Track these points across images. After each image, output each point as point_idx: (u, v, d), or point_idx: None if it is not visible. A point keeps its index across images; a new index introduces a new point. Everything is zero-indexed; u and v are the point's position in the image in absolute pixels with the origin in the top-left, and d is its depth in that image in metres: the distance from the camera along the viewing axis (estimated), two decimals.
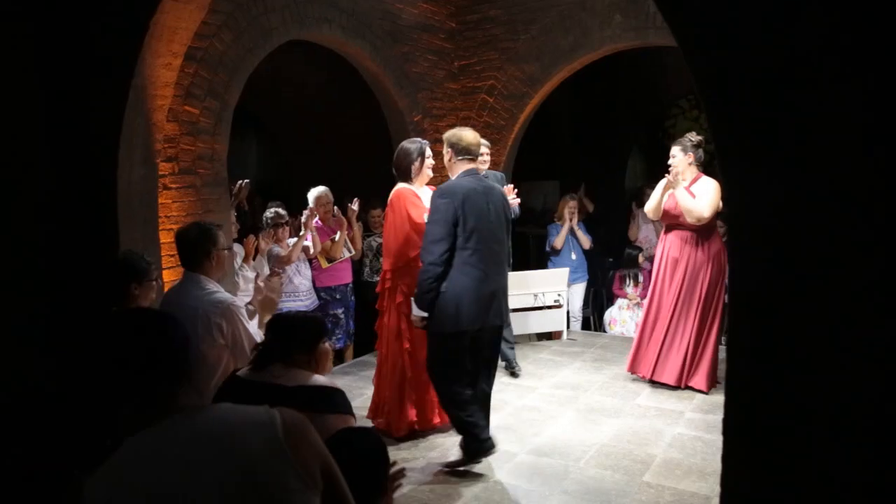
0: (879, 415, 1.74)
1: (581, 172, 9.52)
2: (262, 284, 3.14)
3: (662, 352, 4.95)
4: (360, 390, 5.09)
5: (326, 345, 2.48)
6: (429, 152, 4.30)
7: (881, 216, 1.69)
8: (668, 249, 4.97)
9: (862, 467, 1.77)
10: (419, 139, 4.43)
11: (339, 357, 5.94)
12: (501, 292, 3.76)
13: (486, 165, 5.26)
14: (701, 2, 1.90)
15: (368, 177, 7.29)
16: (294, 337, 2.38)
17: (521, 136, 7.04)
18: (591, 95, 9.76)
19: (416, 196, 4.19)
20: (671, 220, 4.98)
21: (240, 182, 5.37)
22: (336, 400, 2.30)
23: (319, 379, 2.34)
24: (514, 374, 5.40)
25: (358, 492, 1.74)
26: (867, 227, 1.71)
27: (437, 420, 4.29)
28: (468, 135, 3.82)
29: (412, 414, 4.23)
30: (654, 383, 5.02)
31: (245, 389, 2.26)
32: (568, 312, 6.52)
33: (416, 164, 4.22)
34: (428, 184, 4.37)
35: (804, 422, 1.84)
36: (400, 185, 4.25)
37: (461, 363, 3.67)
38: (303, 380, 2.28)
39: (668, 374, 4.91)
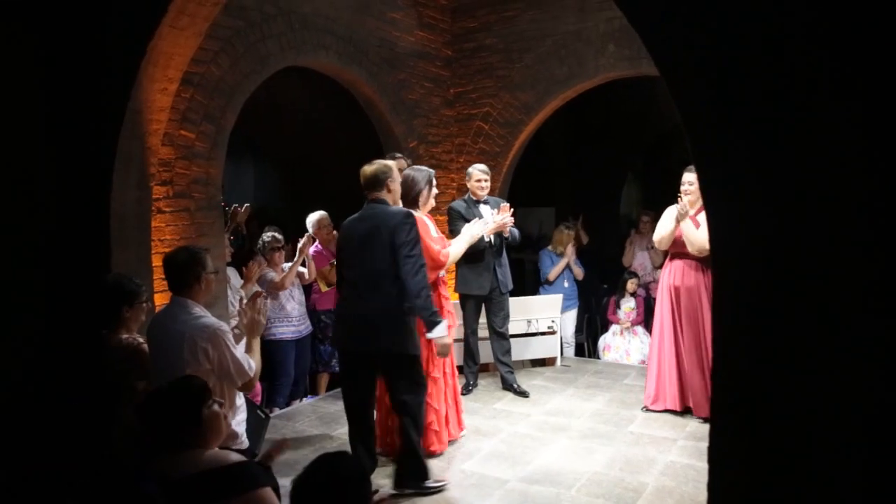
0: (867, 442, 1.74)
1: (576, 199, 9.59)
2: (244, 308, 3.12)
3: (685, 380, 4.89)
4: None
5: (214, 407, 2.24)
6: (435, 181, 4.37)
7: (864, 233, 1.71)
8: (674, 278, 4.88)
9: (848, 492, 1.77)
10: (424, 167, 4.48)
11: (314, 385, 5.96)
12: (374, 315, 3.65)
13: (485, 192, 5.42)
14: (682, 36, 1.94)
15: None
16: (173, 414, 2.13)
17: (517, 163, 7.10)
18: (587, 123, 9.87)
19: (425, 224, 4.23)
20: (678, 249, 4.89)
21: (235, 206, 5.39)
22: (236, 479, 2.08)
23: (212, 458, 2.14)
24: (522, 395, 5.49)
25: None
26: (851, 245, 1.73)
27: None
28: (366, 169, 3.85)
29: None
30: (648, 410, 5.00)
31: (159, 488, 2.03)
32: (561, 339, 6.52)
33: (425, 192, 4.31)
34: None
35: (790, 450, 1.84)
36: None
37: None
38: (192, 466, 2.07)
39: (698, 405, 4.84)
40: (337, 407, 5.06)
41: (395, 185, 3.86)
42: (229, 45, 4.59)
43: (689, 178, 4.84)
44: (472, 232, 4.66)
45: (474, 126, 6.96)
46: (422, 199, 4.28)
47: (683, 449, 4.34)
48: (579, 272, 6.92)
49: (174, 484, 2.04)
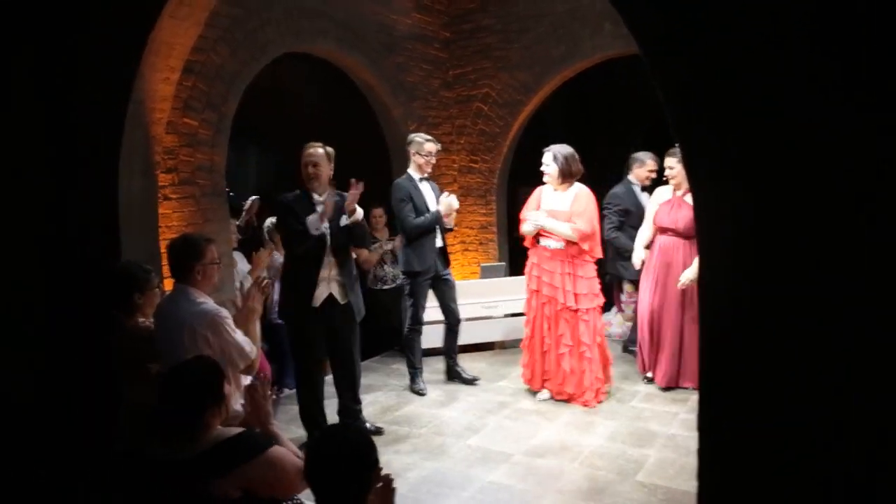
0: (853, 408, 1.82)
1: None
2: (238, 293, 3.18)
3: (684, 357, 4.99)
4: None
5: (227, 386, 2.32)
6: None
7: (855, 219, 1.77)
8: (662, 254, 5.01)
9: (835, 459, 1.84)
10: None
11: None
12: None
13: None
14: (662, 15, 1.98)
15: (367, 182, 7.38)
16: (203, 389, 2.21)
17: (517, 143, 7.13)
18: (587, 102, 9.85)
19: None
20: (665, 228, 5.05)
21: (251, 199, 5.45)
22: (241, 447, 2.17)
23: (217, 434, 2.20)
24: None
25: (344, 485, 1.83)
26: (840, 228, 1.79)
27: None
28: None
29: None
30: (650, 382, 5.10)
31: (167, 470, 2.14)
32: None
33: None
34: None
35: (776, 417, 1.91)
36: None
37: None
38: (198, 445, 2.15)
39: (688, 375, 4.98)
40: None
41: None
42: (228, 33, 4.62)
43: (670, 163, 5.05)
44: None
45: (474, 107, 6.99)
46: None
47: (685, 422, 4.43)
48: None
49: (181, 462, 2.12)
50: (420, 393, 5.23)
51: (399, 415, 4.81)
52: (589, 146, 10.04)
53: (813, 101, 1.79)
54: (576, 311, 4.73)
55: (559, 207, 4.83)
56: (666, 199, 5.11)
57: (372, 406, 5.00)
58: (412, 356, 5.34)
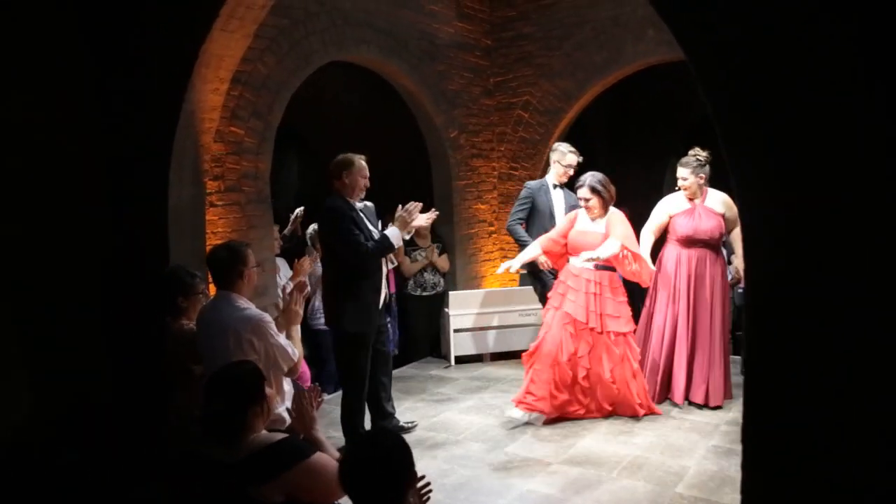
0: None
1: (618, 184, 9.53)
2: (284, 299, 3.25)
3: (699, 372, 4.85)
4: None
5: (267, 389, 2.38)
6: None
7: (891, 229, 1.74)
8: (688, 267, 4.86)
9: (883, 470, 1.81)
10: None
11: None
12: None
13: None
14: (709, 24, 1.98)
15: (408, 191, 7.45)
16: (245, 392, 2.26)
17: None
18: (628, 108, 9.78)
19: None
20: (689, 236, 4.88)
21: (297, 211, 5.56)
22: (284, 454, 2.20)
23: (262, 439, 2.26)
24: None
25: (380, 490, 1.87)
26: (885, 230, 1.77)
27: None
28: None
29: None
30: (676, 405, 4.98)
31: (213, 472, 2.21)
32: None
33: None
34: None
35: (822, 428, 1.89)
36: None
37: None
38: (244, 449, 2.21)
39: (714, 394, 4.84)
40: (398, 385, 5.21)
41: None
42: (275, 44, 4.74)
43: (683, 173, 4.92)
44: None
45: (514, 115, 7.01)
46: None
47: (726, 434, 4.36)
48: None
49: (227, 466, 2.18)
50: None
51: (436, 421, 4.84)
52: (629, 153, 10.02)
53: (859, 110, 1.77)
54: (601, 333, 4.61)
55: (594, 229, 4.74)
56: (683, 208, 4.93)
57: (410, 412, 5.04)
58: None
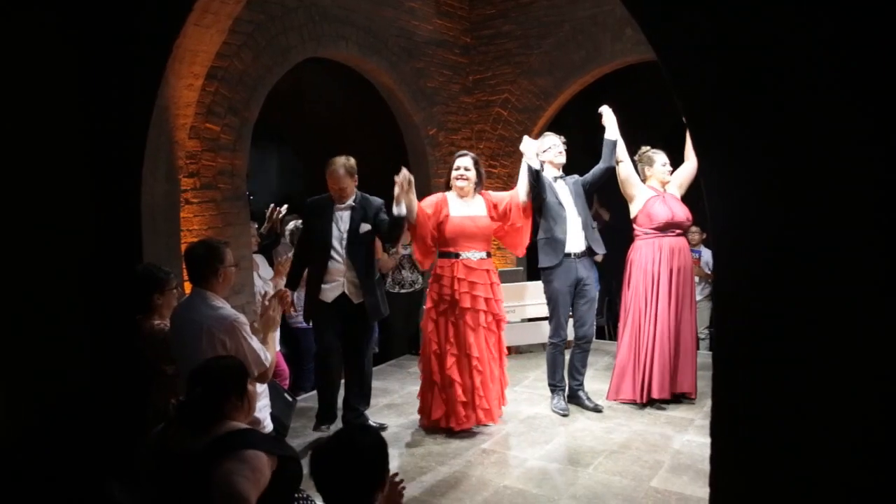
0: (866, 413, 1.82)
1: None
2: (266, 302, 3.21)
3: (678, 365, 4.87)
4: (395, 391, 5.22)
5: (250, 385, 2.38)
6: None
7: (870, 214, 1.77)
8: (668, 259, 4.84)
9: (849, 464, 1.85)
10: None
11: None
12: None
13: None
14: (684, 27, 2.00)
15: (387, 189, 7.43)
16: (227, 382, 2.26)
17: None
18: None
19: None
20: (666, 226, 4.84)
21: (275, 207, 5.48)
22: (233, 440, 2.16)
23: (228, 426, 2.22)
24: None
25: (350, 486, 1.86)
26: (853, 225, 1.80)
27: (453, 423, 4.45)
28: None
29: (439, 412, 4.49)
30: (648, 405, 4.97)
31: (179, 463, 2.16)
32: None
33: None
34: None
35: (790, 421, 1.92)
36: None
37: None
38: (219, 432, 2.18)
39: (688, 384, 4.90)
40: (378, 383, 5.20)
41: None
42: (251, 39, 4.71)
43: (664, 160, 5.04)
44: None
45: (493, 112, 7.03)
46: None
47: (701, 428, 4.41)
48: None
49: (194, 453, 2.11)
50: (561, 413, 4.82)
51: (414, 418, 4.84)
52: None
53: (833, 111, 1.80)
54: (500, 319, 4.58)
55: (477, 213, 4.56)
56: (655, 193, 4.92)
57: (387, 409, 5.04)
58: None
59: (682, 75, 2.05)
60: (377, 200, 4.44)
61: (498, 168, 7.06)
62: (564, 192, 4.89)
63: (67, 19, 3.71)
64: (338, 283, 4.33)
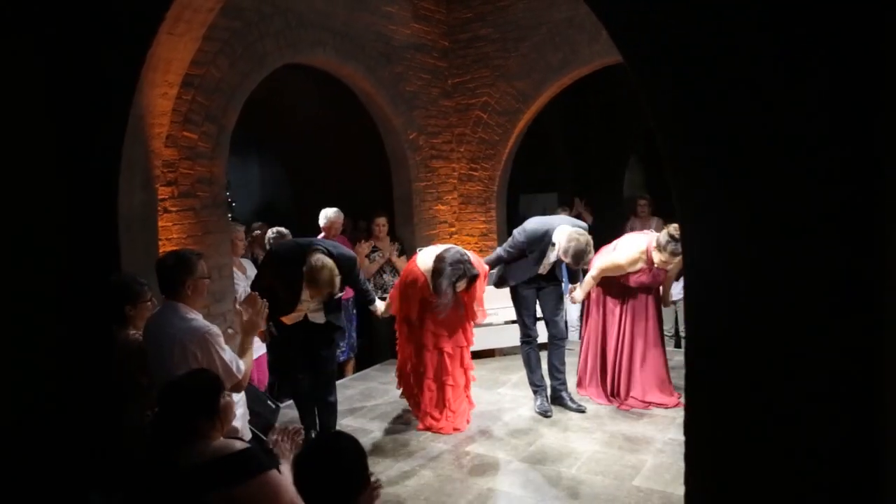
0: (831, 416, 1.85)
1: (579, 184, 9.65)
2: (240, 307, 3.16)
3: (645, 377, 4.95)
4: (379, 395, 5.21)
5: (226, 398, 2.33)
6: None
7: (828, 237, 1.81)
8: (619, 295, 5.00)
9: (820, 462, 1.88)
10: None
11: (339, 371, 6.06)
12: None
13: None
14: (649, 26, 2.02)
15: (369, 192, 7.45)
16: (193, 404, 2.21)
17: (517, 150, 7.18)
18: (587, 107, 9.90)
19: None
20: (643, 285, 4.92)
21: (257, 227, 5.42)
22: (242, 464, 2.16)
23: (219, 446, 2.21)
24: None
25: (338, 489, 1.87)
26: (816, 234, 1.83)
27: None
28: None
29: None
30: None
31: (164, 480, 2.16)
32: (566, 322, 6.61)
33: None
34: None
35: (758, 423, 1.95)
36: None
37: None
38: (202, 455, 2.16)
39: (660, 393, 4.94)
40: (342, 395, 5.21)
41: None
42: (227, 46, 4.69)
43: (664, 258, 4.67)
44: None
45: (473, 116, 7.04)
46: None
47: (682, 427, 4.43)
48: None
49: (184, 473, 2.13)
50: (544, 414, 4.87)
51: (398, 423, 4.84)
52: (588, 153, 10.14)
53: (798, 117, 1.83)
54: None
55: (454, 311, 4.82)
56: (641, 268, 4.85)
57: (370, 413, 5.04)
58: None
59: (649, 79, 2.07)
60: (349, 256, 4.34)
61: (479, 171, 7.08)
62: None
63: (38, 30, 3.68)
64: (301, 314, 4.29)
